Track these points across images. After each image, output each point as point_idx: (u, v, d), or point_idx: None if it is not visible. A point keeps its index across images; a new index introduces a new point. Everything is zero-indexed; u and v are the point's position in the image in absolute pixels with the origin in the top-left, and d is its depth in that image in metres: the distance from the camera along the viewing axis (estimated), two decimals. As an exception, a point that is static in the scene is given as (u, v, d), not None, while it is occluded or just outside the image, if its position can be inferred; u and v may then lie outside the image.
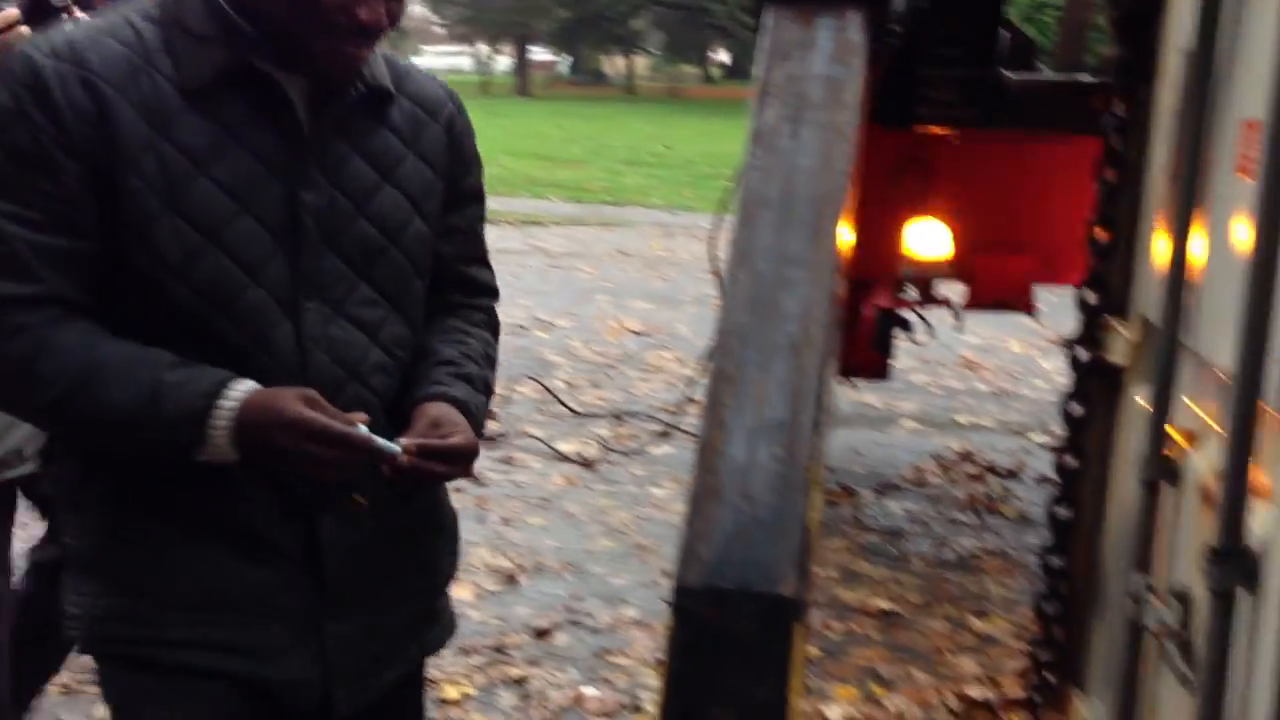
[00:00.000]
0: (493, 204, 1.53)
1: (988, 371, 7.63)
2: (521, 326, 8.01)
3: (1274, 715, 1.35)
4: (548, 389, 6.50)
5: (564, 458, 5.47)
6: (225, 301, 1.38)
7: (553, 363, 7.26)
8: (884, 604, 4.10)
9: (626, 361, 7.48)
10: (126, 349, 1.36)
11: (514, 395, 6.29)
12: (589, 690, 3.44)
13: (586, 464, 5.45)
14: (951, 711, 3.42)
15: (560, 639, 3.73)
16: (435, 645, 1.68)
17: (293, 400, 1.35)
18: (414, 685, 1.69)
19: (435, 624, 1.67)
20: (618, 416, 6.22)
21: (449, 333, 1.59)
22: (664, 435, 5.86)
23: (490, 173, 1.77)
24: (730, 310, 1.86)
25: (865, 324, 4.56)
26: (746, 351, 1.79)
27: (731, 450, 1.61)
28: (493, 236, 1.75)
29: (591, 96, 40.31)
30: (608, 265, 10.98)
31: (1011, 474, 5.58)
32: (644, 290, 9.79)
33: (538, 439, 5.68)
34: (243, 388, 1.36)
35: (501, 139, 19.57)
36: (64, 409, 1.35)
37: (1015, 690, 3.37)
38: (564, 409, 6.27)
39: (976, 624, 4.00)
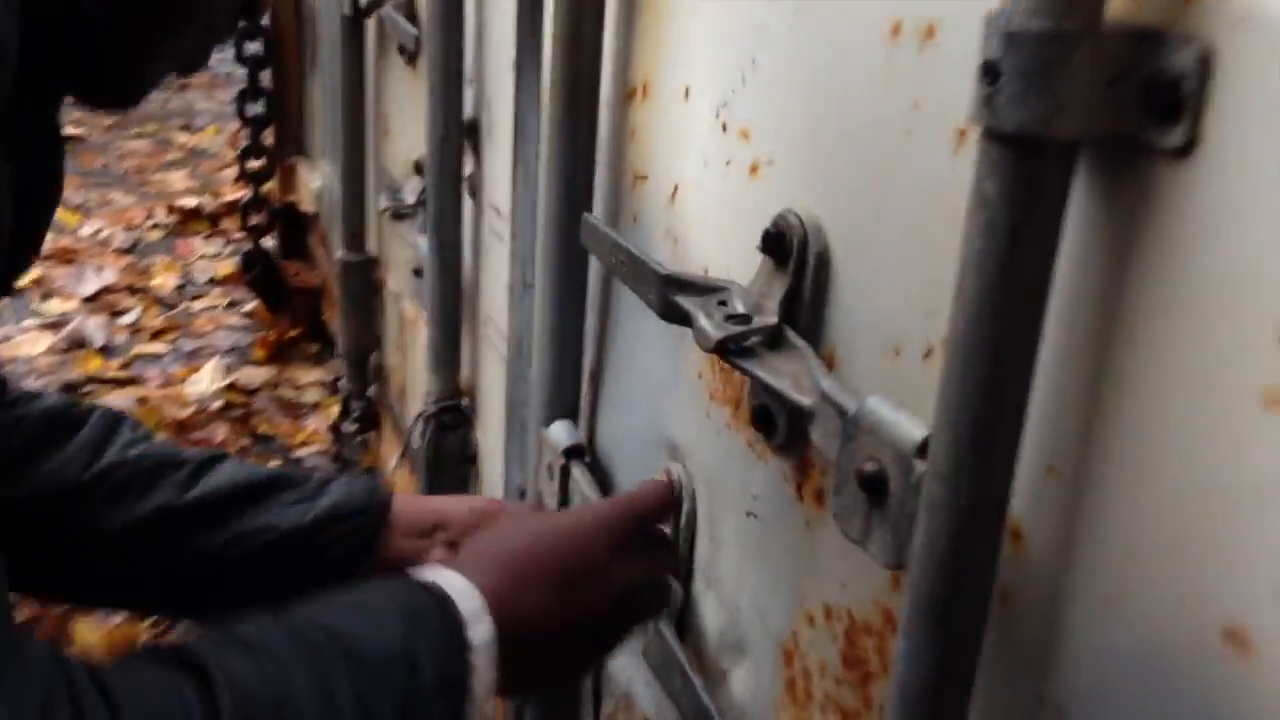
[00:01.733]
0: None
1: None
2: None
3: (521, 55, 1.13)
4: None
5: None
6: None
7: None
8: (67, 130, 3.47)
9: None
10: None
11: None
12: None
13: None
14: (163, 226, 3.00)
15: None
16: None
17: (537, 535, 0.79)
18: None
19: None
20: None
21: None
22: None
23: None
24: None
25: None
26: None
27: None
28: None
29: None
30: None
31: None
32: None
33: None
34: (462, 587, 0.73)
35: None
36: None
37: (230, 193, 3.03)
38: None
39: (184, 139, 3.53)
